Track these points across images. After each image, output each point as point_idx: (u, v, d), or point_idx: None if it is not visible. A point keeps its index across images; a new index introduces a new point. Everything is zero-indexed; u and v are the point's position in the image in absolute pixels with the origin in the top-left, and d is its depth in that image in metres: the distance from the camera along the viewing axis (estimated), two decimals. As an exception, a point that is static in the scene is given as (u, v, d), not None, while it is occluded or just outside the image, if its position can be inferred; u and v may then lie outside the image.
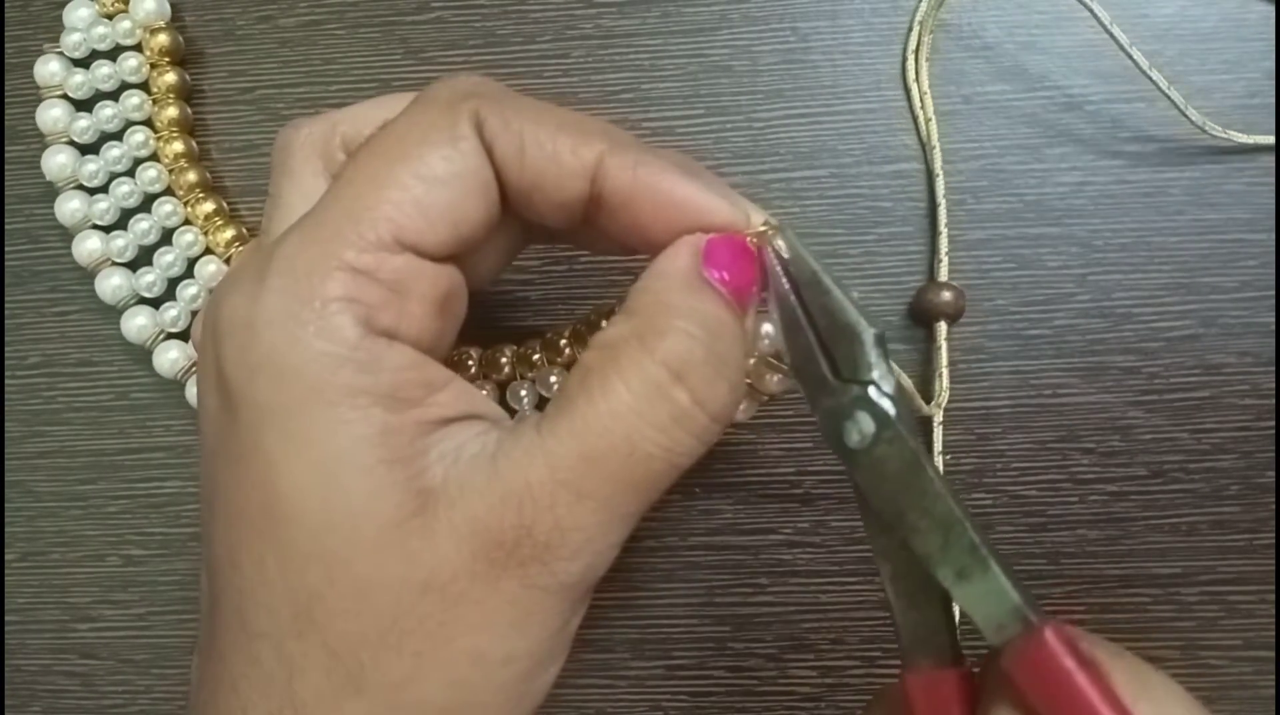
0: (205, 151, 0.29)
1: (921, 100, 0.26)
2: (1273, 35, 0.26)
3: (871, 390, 0.18)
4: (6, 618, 0.29)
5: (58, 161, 0.28)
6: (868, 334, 0.18)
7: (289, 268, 0.17)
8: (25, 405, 0.29)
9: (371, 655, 0.17)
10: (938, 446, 0.26)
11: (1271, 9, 0.26)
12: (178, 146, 0.28)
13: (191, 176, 0.28)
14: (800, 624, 0.27)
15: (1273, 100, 0.26)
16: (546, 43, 0.28)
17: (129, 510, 0.29)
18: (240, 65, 0.29)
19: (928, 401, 0.26)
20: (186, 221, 0.28)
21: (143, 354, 0.28)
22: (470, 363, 0.26)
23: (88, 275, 0.29)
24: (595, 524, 0.17)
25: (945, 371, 0.26)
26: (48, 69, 0.28)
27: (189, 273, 0.28)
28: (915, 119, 0.27)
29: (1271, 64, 0.26)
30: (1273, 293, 0.26)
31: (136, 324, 0.28)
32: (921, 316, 0.26)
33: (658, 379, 0.17)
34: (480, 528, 0.17)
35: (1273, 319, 0.26)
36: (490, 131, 0.18)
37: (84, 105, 0.28)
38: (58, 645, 0.29)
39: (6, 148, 0.29)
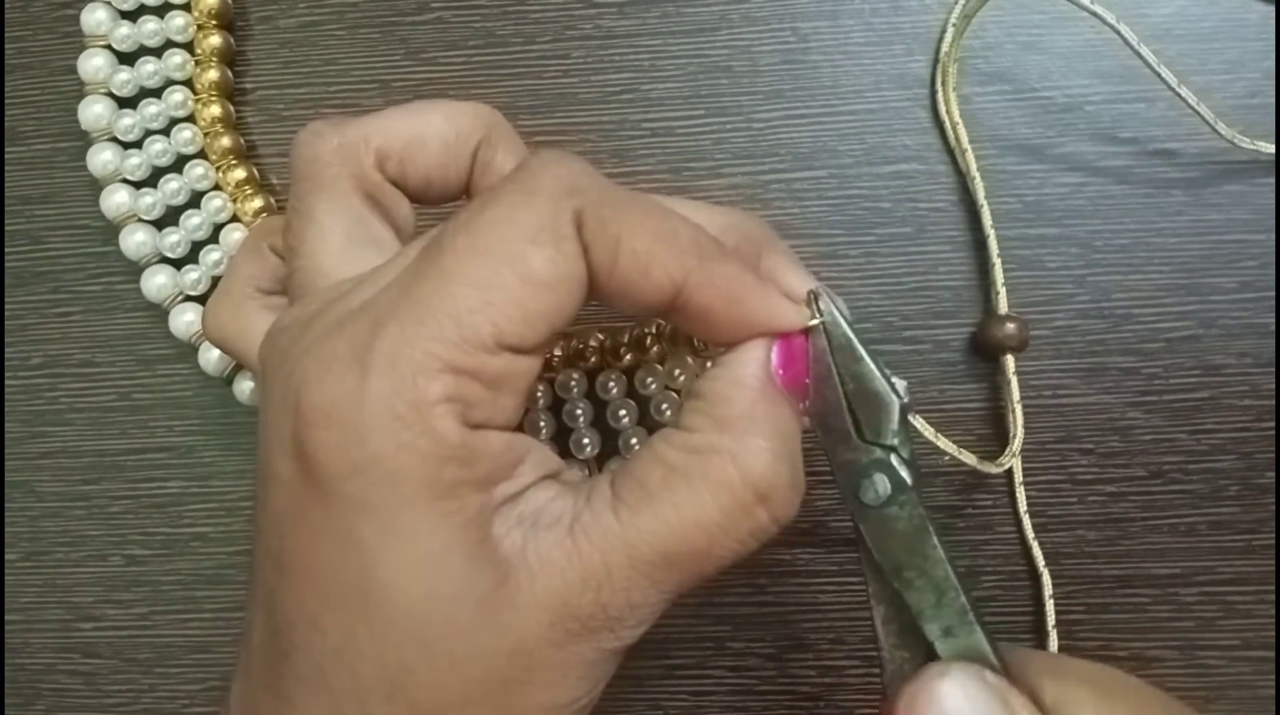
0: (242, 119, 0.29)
1: (955, 133, 0.26)
2: (1273, 35, 0.26)
3: (893, 457, 0.19)
4: (10, 617, 0.29)
5: (94, 111, 0.28)
6: (895, 406, 0.19)
7: (391, 366, 0.17)
8: (28, 406, 0.29)
9: (453, 713, 0.18)
10: (1022, 506, 0.26)
11: (1271, 9, 0.26)
12: (215, 110, 0.28)
13: (226, 141, 0.28)
14: (800, 624, 0.27)
15: (1273, 100, 0.26)
16: (546, 43, 0.28)
17: (132, 510, 0.29)
18: (240, 65, 0.29)
19: (991, 429, 0.26)
20: (217, 186, 0.28)
21: (145, 355, 0.29)
22: (556, 354, 0.26)
23: (90, 276, 0.29)
24: (661, 602, 0.18)
25: (1019, 408, 0.25)
26: (94, 17, 0.28)
27: (214, 238, 0.28)
28: (951, 152, 0.27)
29: (1271, 64, 0.26)
30: (1273, 293, 0.26)
31: (156, 283, 0.28)
32: (986, 351, 0.26)
33: (744, 501, 0.18)
34: (560, 602, 0.18)
35: (1273, 319, 0.26)
36: (589, 234, 0.18)
37: (126, 60, 0.28)
38: (61, 644, 0.29)
39: (7, 148, 0.30)
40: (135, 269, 0.28)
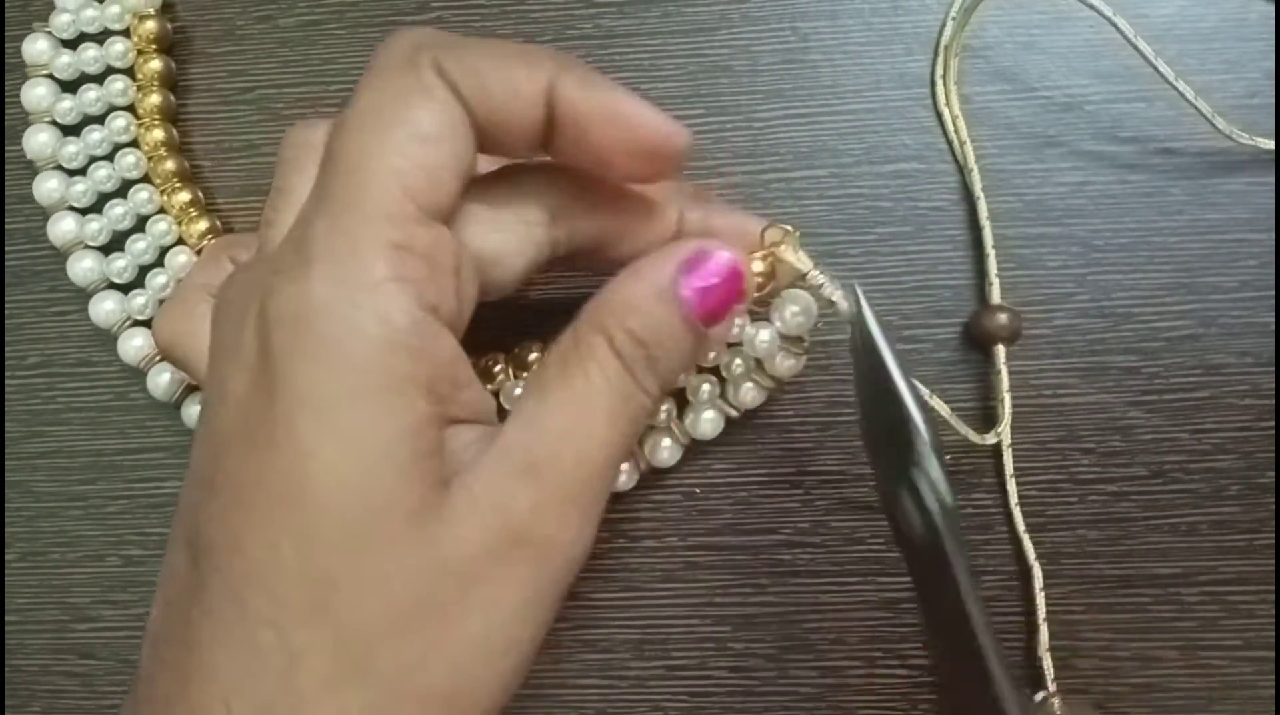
0: (191, 146, 0.29)
1: (955, 125, 0.26)
2: (1273, 35, 0.26)
3: (922, 485, 0.19)
4: (6, 618, 0.29)
5: (39, 140, 0.28)
6: (926, 439, 0.19)
7: (329, 252, 0.17)
8: (24, 405, 0.29)
9: (381, 643, 0.17)
10: (1009, 470, 0.26)
11: (1271, 9, 0.26)
12: (158, 134, 0.28)
13: (170, 165, 0.28)
14: (800, 624, 0.27)
15: (1273, 100, 0.26)
16: (546, 42, 0.28)
17: (128, 510, 0.29)
18: (240, 65, 0.29)
19: (987, 425, 0.26)
20: (161, 210, 0.28)
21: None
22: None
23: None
24: (583, 520, 0.19)
25: (1007, 397, 0.26)
26: (35, 47, 0.28)
27: (159, 261, 0.28)
28: (950, 144, 0.27)
29: (1271, 64, 0.26)
30: (1273, 293, 0.26)
31: (104, 308, 0.28)
32: (978, 341, 0.26)
33: (624, 380, 0.19)
34: (499, 510, 0.18)
35: (1273, 319, 0.26)
36: (453, 77, 0.18)
37: (69, 87, 0.28)
38: (57, 645, 0.29)
39: (6, 148, 0.29)
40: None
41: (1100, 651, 0.26)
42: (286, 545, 0.17)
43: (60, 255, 0.28)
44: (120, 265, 0.28)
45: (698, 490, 0.27)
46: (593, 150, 0.19)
